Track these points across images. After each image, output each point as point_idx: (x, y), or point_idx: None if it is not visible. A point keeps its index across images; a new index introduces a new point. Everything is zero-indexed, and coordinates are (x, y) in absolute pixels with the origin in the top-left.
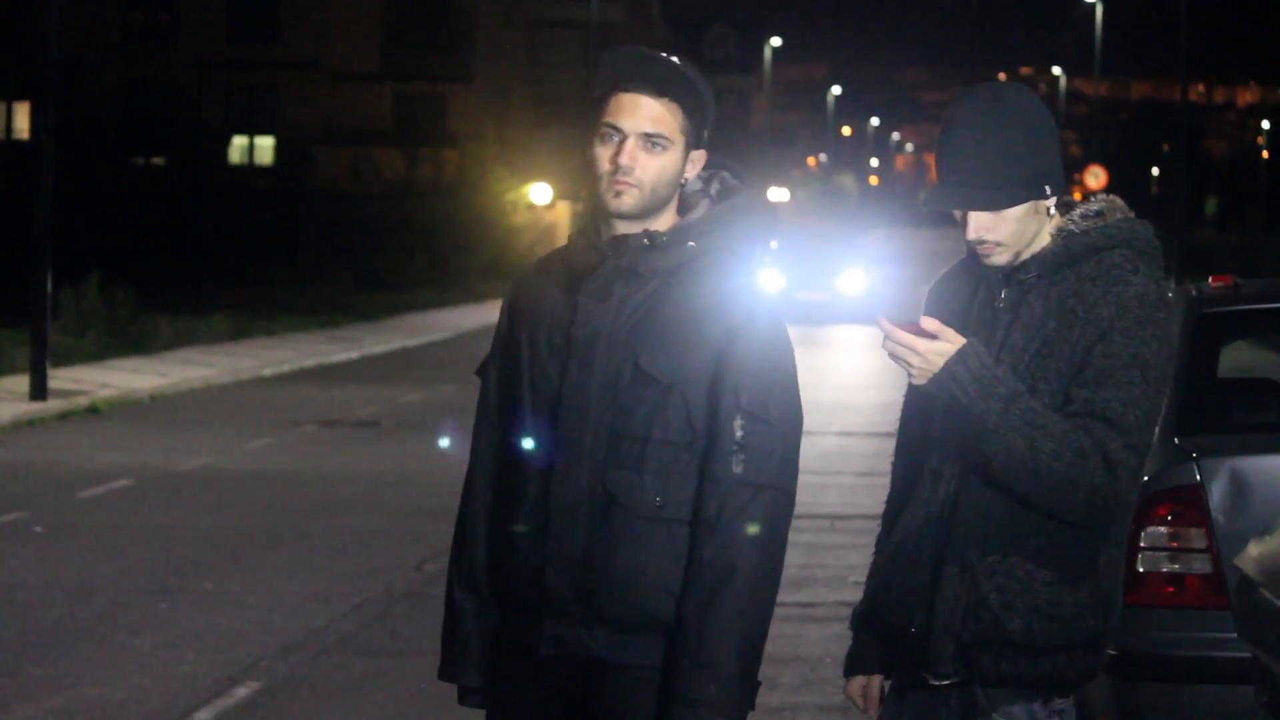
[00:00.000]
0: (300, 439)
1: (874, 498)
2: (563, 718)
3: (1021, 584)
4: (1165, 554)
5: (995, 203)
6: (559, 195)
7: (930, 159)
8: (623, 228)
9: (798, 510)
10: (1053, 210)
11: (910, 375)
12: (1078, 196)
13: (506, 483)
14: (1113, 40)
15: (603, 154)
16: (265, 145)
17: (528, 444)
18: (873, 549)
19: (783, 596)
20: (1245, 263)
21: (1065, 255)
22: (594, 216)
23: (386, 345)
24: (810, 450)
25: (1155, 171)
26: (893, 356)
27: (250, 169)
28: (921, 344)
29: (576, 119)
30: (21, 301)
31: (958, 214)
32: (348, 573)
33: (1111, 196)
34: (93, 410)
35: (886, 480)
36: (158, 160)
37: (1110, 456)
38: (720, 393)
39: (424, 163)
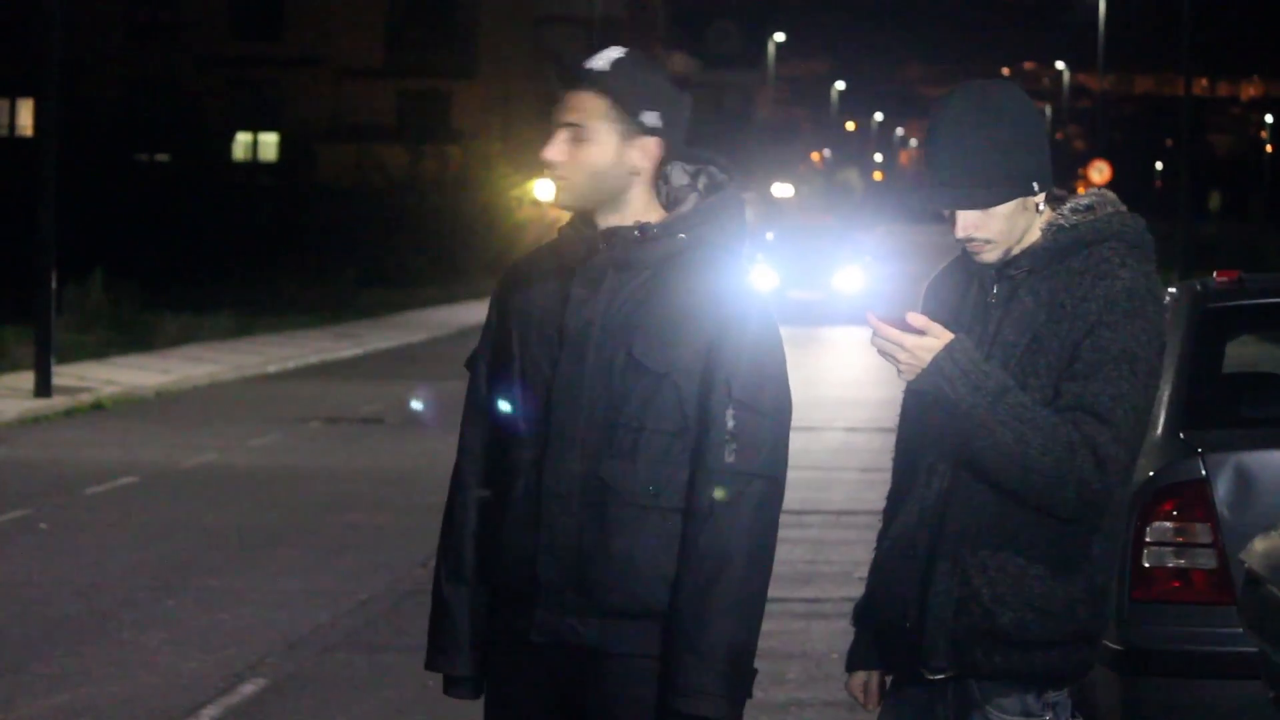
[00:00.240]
0: (305, 436)
1: (878, 493)
2: (557, 706)
3: (1013, 579)
4: (1170, 549)
5: (982, 201)
6: None
7: None
8: (613, 220)
9: (804, 506)
10: (1042, 205)
11: (898, 371)
12: (1081, 191)
13: (496, 473)
14: (1116, 34)
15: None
16: (269, 142)
17: (518, 434)
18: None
19: (789, 592)
20: (1250, 257)
21: (1055, 250)
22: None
23: (390, 342)
24: (815, 446)
25: (1159, 166)
26: (881, 352)
27: (254, 166)
28: (909, 339)
29: None
30: (26, 298)
31: (946, 212)
32: (353, 569)
33: (1103, 190)
34: (97, 407)
35: (889, 476)
36: (161, 157)
37: (1099, 451)
38: (712, 383)
39: (428, 159)
